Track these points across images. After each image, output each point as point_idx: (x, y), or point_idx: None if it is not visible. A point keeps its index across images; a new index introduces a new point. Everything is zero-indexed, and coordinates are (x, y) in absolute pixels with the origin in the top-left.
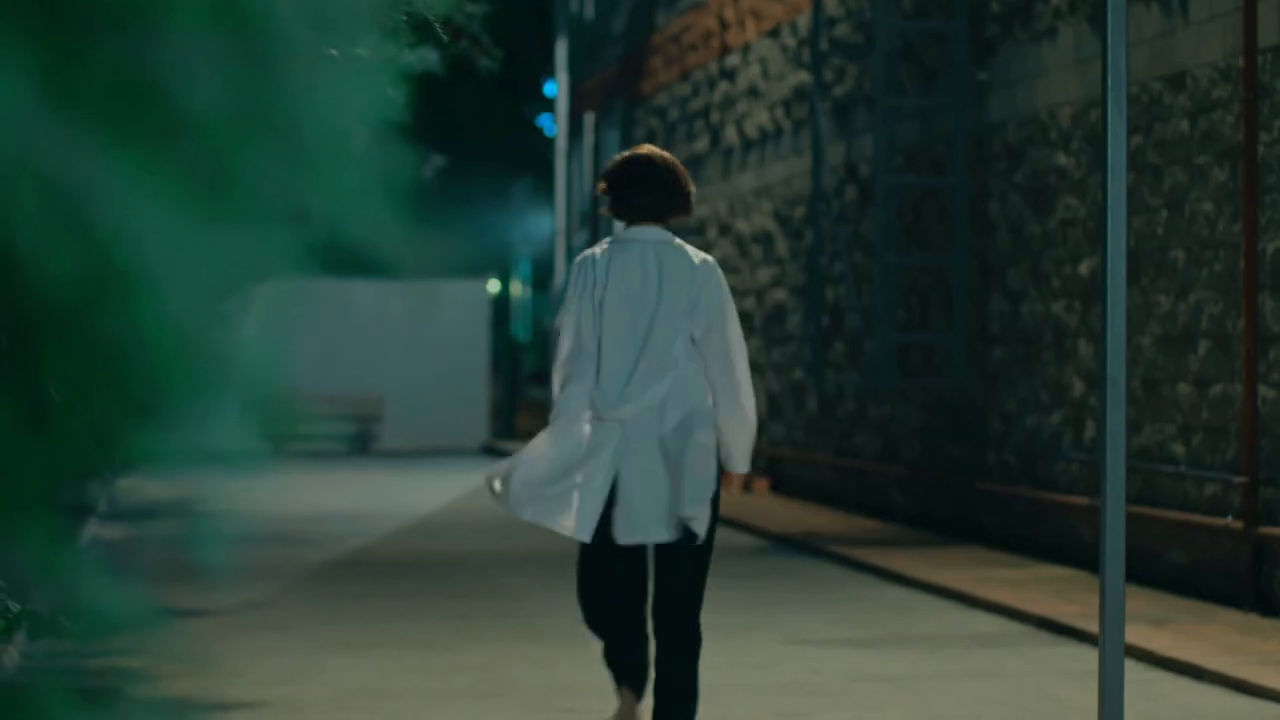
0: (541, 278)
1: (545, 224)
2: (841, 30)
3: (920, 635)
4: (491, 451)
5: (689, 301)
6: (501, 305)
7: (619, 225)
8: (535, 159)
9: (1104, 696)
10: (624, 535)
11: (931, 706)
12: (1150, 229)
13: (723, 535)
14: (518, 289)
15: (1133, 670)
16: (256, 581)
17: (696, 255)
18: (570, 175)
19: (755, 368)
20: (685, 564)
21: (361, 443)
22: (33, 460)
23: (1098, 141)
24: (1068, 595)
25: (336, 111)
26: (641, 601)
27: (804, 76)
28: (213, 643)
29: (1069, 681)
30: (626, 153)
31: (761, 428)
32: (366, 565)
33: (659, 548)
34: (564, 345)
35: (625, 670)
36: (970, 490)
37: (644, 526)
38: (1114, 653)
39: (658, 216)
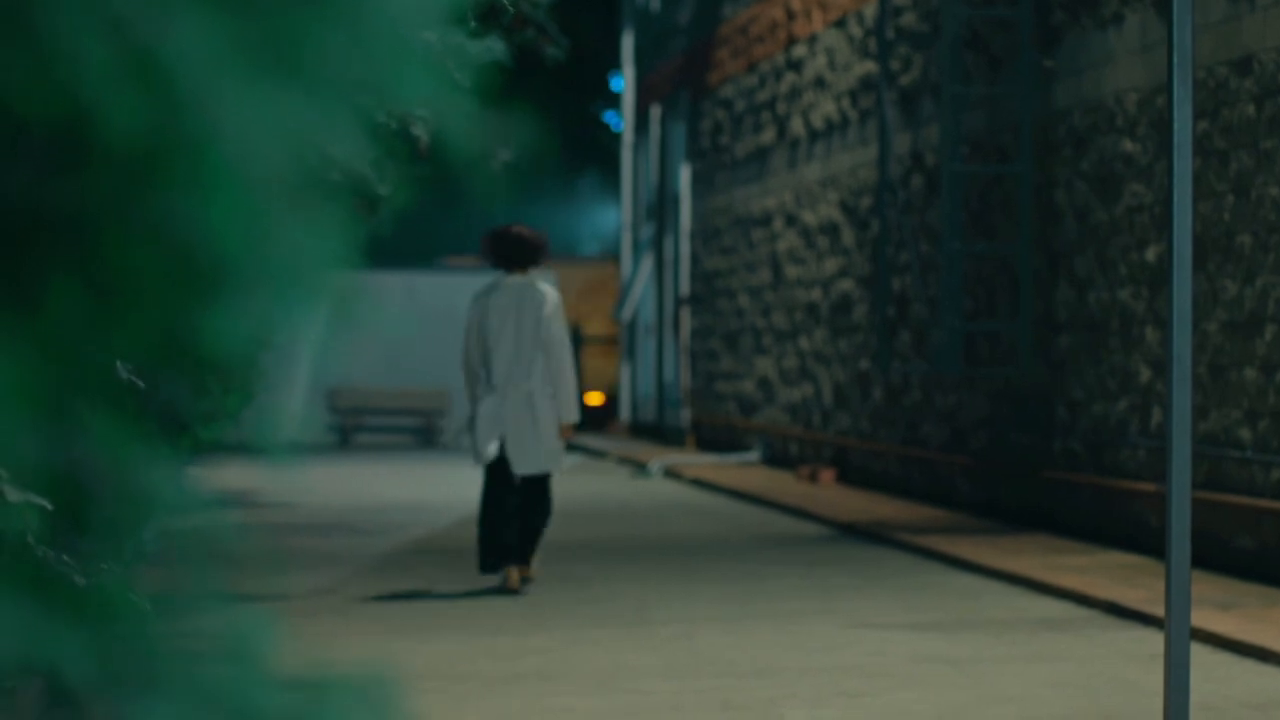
0: None
1: (611, 218)
2: (907, 19)
3: (986, 620)
4: None
5: (542, 321)
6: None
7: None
8: (601, 153)
9: (1170, 675)
10: (520, 470)
11: (997, 688)
12: (1217, 214)
13: (788, 523)
14: None
15: (1199, 653)
16: (323, 568)
17: (547, 291)
18: (636, 168)
19: (821, 358)
20: (540, 483)
21: (426, 436)
22: (100, 345)
23: (1164, 127)
24: (1135, 581)
25: (405, 8)
26: (513, 508)
27: (870, 66)
28: (280, 627)
29: (1135, 664)
30: (501, 227)
31: (827, 418)
32: (432, 553)
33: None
34: (467, 352)
35: (503, 555)
36: (1037, 478)
37: (521, 463)
38: (1179, 629)
39: (523, 267)
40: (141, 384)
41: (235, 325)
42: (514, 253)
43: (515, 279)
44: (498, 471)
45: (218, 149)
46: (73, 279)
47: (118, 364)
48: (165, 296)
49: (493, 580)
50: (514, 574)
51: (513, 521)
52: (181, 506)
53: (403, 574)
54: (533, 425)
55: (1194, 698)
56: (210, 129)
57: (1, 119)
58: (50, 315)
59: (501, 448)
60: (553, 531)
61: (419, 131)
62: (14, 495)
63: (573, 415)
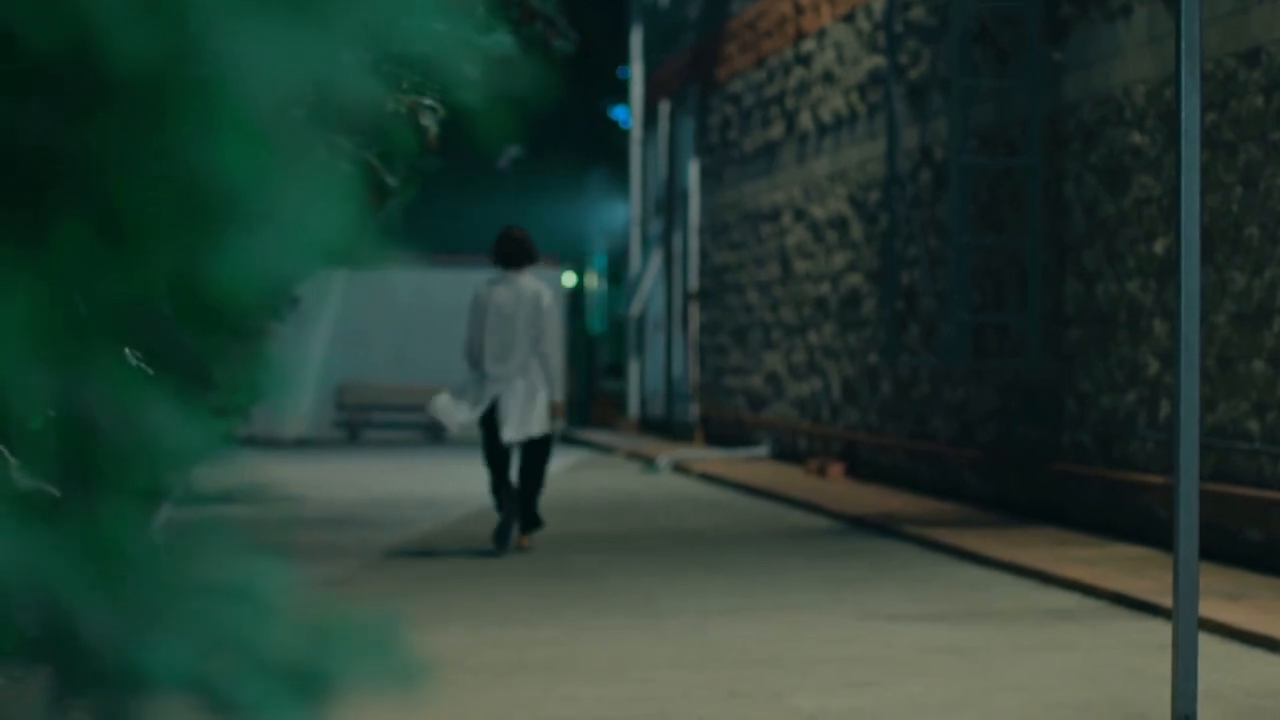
0: (616, 271)
1: (620, 216)
2: (916, 13)
3: (994, 610)
4: (568, 441)
5: (536, 314)
6: (577, 298)
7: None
8: (610, 151)
9: (1178, 662)
10: (506, 437)
11: (1005, 677)
12: (1225, 206)
13: (797, 517)
14: (593, 281)
15: (1207, 643)
16: (333, 560)
17: (541, 287)
18: (645, 164)
19: (830, 353)
20: (535, 449)
21: (435, 433)
22: (111, 282)
23: (1172, 119)
24: (1143, 573)
25: None
26: (508, 467)
27: (879, 60)
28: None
29: (1143, 653)
30: (503, 230)
31: (836, 412)
32: (441, 546)
33: (521, 442)
34: (469, 339)
35: (502, 501)
36: (1045, 471)
37: (510, 433)
38: (1187, 616)
39: (520, 265)
40: (161, 339)
41: (244, 268)
42: (513, 252)
43: (512, 275)
44: (491, 441)
45: (228, 84)
46: (80, 216)
47: (128, 352)
48: (174, 235)
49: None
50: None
51: (510, 481)
52: (198, 455)
53: (412, 567)
54: (523, 400)
55: (1201, 686)
56: (221, 62)
57: (10, 51)
58: (58, 253)
59: (493, 418)
60: (561, 524)
61: (428, 122)
62: (24, 483)
63: (557, 394)
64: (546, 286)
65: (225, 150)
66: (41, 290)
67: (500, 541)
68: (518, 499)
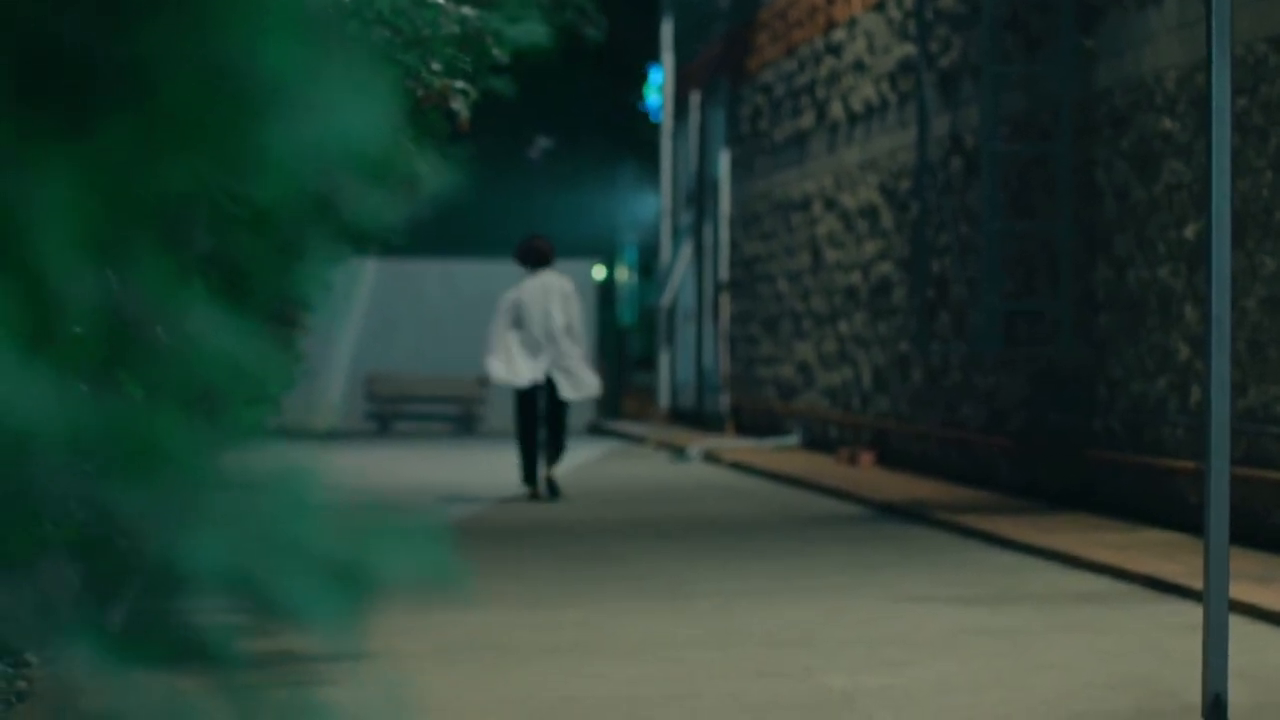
0: (647, 262)
1: (651, 207)
2: (946, 1)
3: (1025, 593)
4: (598, 431)
5: (564, 303)
6: (607, 290)
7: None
8: (640, 143)
9: (1208, 638)
10: (562, 395)
11: (1037, 657)
12: (1255, 190)
13: (827, 504)
14: (623, 274)
15: (1237, 624)
16: None
17: (565, 281)
18: (676, 156)
19: (861, 342)
20: (563, 411)
21: (466, 424)
22: (156, 177)
23: (1203, 106)
24: (1173, 557)
25: None
26: (537, 430)
27: (910, 49)
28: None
29: (1175, 635)
30: (528, 237)
31: (866, 401)
32: (471, 532)
33: (553, 400)
34: (498, 324)
35: (531, 469)
36: (1076, 458)
37: (566, 391)
38: (1218, 593)
39: (544, 265)
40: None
41: (285, 164)
42: (535, 256)
43: (539, 273)
44: (527, 406)
45: None
46: (126, 112)
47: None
48: (218, 131)
49: (531, 490)
50: (540, 485)
51: (537, 442)
52: (238, 359)
53: None
54: (568, 369)
55: (1231, 666)
56: None
57: None
58: (104, 148)
59: (534, 382)
60: (593, 511)
61: (459, 106)
62: (66, 373)
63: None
64: (569, 280)
65: (269, 49)
66: (89, 185)
67: (530, 481)
68: (548, 445)
